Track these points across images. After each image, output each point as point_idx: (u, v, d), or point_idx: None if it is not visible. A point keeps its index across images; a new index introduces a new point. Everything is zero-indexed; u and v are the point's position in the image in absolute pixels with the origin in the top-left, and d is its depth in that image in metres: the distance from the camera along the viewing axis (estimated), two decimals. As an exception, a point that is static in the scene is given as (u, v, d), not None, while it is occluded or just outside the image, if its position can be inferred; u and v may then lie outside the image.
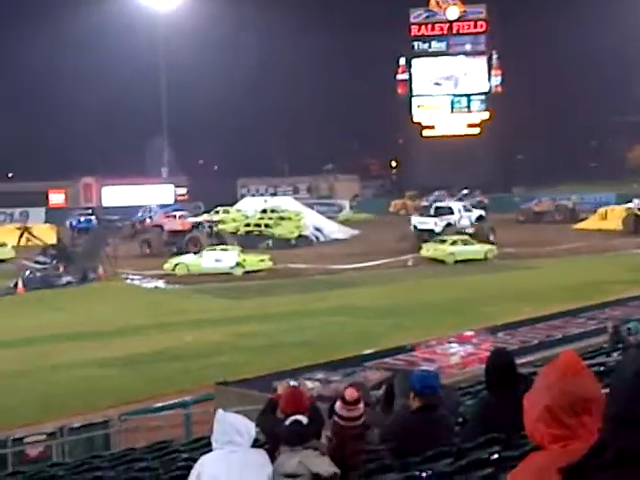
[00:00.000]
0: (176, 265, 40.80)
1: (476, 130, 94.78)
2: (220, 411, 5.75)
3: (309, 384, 13.98)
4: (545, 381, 2.13)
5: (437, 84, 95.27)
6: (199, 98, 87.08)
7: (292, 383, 8.01)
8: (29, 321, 28.32)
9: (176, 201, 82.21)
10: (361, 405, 5.88)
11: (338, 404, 5.85)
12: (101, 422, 14.15)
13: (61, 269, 40.69)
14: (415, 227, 51.74)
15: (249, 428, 5.60)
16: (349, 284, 35.40)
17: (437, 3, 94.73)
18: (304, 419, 5.81)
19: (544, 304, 24.83)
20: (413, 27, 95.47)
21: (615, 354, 11.35)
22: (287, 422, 5.88)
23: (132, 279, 40.10)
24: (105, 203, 78.26)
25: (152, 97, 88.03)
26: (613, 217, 58.11)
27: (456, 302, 28.72)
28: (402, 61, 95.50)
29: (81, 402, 17.52)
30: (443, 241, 44.03)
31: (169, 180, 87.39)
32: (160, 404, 15.46)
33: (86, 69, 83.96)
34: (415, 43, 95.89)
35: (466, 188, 73.65)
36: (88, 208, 68.66)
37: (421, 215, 55.98)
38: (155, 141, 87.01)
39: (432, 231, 49.33)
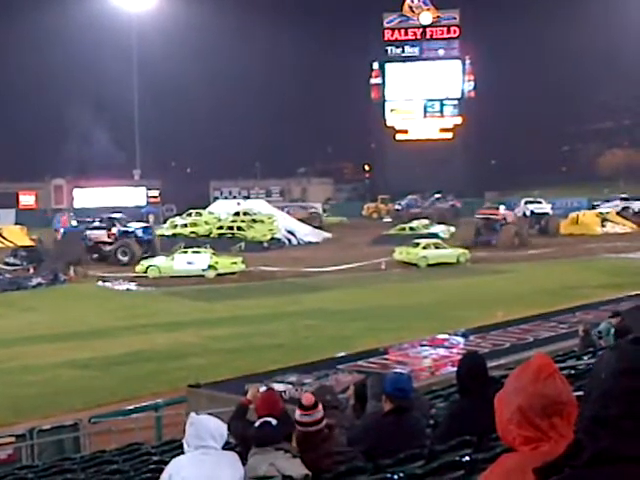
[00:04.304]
0: (148, 267, 40.65)
1: (449, 135, 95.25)
2: (193, 414, 5.73)
3: (281, 387, 13.95)
4: (517, 383, 2.13)
5: (410, 89, 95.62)
6: (172, 100, 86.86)
7: (263, 387, 7.99)
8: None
9: (148, 203, 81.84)
10: (319, 409, 5.89)
11: (297, 411, 5.86)
12: (71, 424, 14.03)
13: (31, 271, 40.40)
14: (532, 212, 56.48)
15: (221, 430, 5.58)
16: (322, 287, 35.39)
17: (410, 8, 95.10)
18: (274, 421, 5.81)
19: (517, 308, 24.95)
20: (386, 32, 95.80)
21: (586, 357, 11.44)
22: (257, 424, 5.88)
23: (104, 281, 39.90)
24: (76, 205, 77.62)
25: (125, 98, 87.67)
26: (585, 222, 58.61)
27: (429, 305, 28.80)
28: (375, 65, 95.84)
29: (52, 404, 17.37)
30: (416, 244, 44.16)
31: (141, 182, 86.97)
32: (131, 406, 15.36)
33: (59, 70, 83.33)
34: (388, 48, 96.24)
35: (439, 192, 73.93)
36: (72, 210, 67.59)
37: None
38: (128, 142, 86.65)
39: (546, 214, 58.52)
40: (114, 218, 50.12)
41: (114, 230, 48.03)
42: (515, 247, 49.17)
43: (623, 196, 65.83)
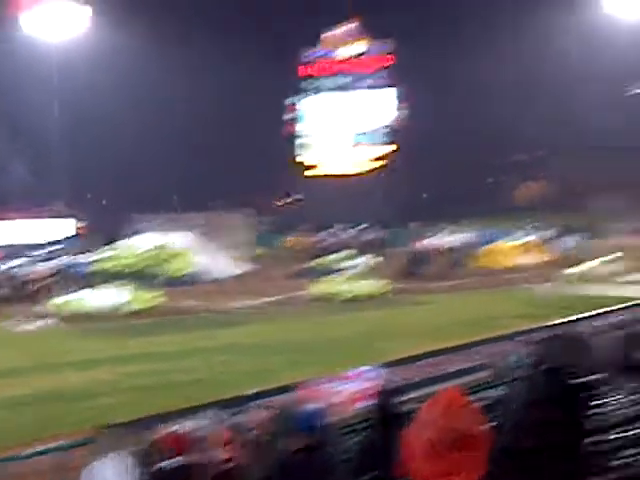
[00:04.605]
0: (62, 303, 39.74)
1: (375, 165, 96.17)
2: (104, 455, 5.52)
3: (196, 424, 13.62)
4: (427, 416, 2.03)
5: (339, 119, 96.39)
6: (94, 131, 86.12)
7: (177, 425, 7.76)
8: None
9: (68, 236, 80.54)
10: (235, 446, 5.74)
11: (212, 448, 5.69)
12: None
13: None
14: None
15: (130, 472, 5.39)
16: (239, 322, 35.12)
17: (341, 38, 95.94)
18: (186, 460, 5.64)
19: (436, 339, 25.05)
20: (303, 66, 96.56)
21: (500, 388, 11.41)
22: (166, 464, 5.69)
23: (14, 318, 38.78)
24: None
25: (44, 128, 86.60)
26: (503, 253, 59.61)
27: (348, 339, 28.78)
28: (301, 96, 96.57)
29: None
30: (337, 277, 44.25)
31: (60, 214, 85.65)
32: (37, 448, 14.81)
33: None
34: (317, 77, 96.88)
35: (363, 223, 74.55)
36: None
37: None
38: (46, 174, 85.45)
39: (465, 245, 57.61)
40: (51, 251, 48.87)
41: (52, 264, 46.90)
42: (447, 277, 49.91)
43: (530, 228, 67.49)
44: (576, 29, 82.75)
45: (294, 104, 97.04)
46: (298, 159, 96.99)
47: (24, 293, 44.49)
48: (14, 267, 47.01)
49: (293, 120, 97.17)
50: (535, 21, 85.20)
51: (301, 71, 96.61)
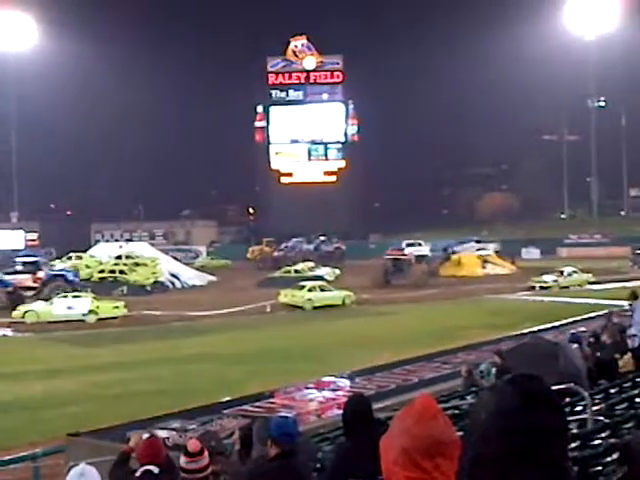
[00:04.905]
0: (25, 312, 39.41)
1: (333, 178, 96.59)
2: (75, 463, 5.53)
3: (164, 433, 13.65)
4: (401, 424, 2.12)
5: (295, 132, 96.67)
6: (53, 140, 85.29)
7: (145, 434, 7.75)
8: None
9: (26, 247, 79.71)
10: (205, 455, 5.78)
11: (182, 458, 5.74)
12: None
13: None
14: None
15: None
16: (206, 331, 35.06)
17: (294, 53, 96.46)
18: (155, 469, 5.66)
19: (401, 349, 25.22)
20: (270, 75, 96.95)
21: (469, 397, 11.60)
22: (138, 472, 5.71)
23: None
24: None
25: (2, 138, 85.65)
26: (467, 264, 60.07)
27: (314, 348, 28.85)
28: (260, 109, 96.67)
29: None
30: (301, 287, 44.34)
31: (19, 225, 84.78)
32: (7, 457, 14.73)
33: None
34: (272, 91, 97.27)
35: (323, 235, 74.65)
36: None
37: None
38: (5, 184, 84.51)
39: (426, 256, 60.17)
40: (35, 262, 48.17)
41: (40, 274, 46.12)
42: (423, 285, 50.42)
43: (476, 239, 68.24)
44: (535, 43, 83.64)
45: (263, 112, 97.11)
46: (272, 167, 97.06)
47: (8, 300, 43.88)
48: (9, 273, 46.38)
49: (262, 128, 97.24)
50: (493, 32, 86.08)
51: (270, 79, 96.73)
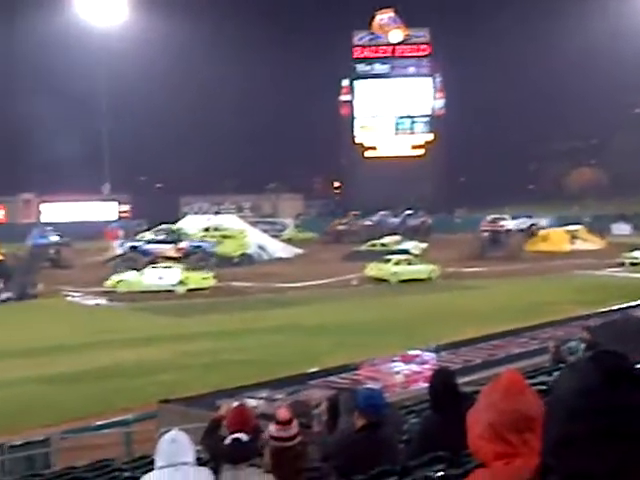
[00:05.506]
0: (118, 282, 40.37)
1: (420, 151, 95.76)
2: (174, 430, 5.66)
3: (253, 402, 13.90)
4: (488, 399, 2.15)
5: (380, 106, 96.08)
6: (143, 114, 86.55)
7: (235, 402, 7.91)
8: (-34, 338, 27.75)
9: (119, 218, 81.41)
10: (294, 424, 5.85)
11: (272, 426, 5.82)
12: (41, 440, 13.86)
13: (0, 285, 39.97)
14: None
15: (192, 446, 5.54)
16: (293, 303, 35.35)
17: (380, 26, 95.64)
18: (245, 437, 5.76)
19: (487, 324, 25.05)
20: (356, 49, 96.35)
21: (556, 373, 11.50)
22: (227, 440, 5.83)
23: (73, 296, 39.58)
24: (44, 219, 76.96)
25: (94, 112, 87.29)
26: (554, 239, 59.09)
27: (400, 321, 28.84)
28: (345, 82, 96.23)
29: (20, 420, 17.17)
30: (387, 261, 44.27)
31: (111, 197, 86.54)
32: (101, 422, 15.22)
33: (26, 84, 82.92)
34: (358, 65, 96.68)
35: (410, 209, 74.21)
36: (47, 224, 66.26)
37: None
38: (97, 157, 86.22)
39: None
40: (175, 231, 48.00)
41: (183, 244, 46.85)
42: (517, 258, 50.65)
43: (528, 215, 67.42)
44: (628, 16, 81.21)
45: (349, 86, 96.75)
46: (357, 140, 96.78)
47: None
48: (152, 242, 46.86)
49: (348, 102, 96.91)
50: (585, 4, 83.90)
51: (355, 53, 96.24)
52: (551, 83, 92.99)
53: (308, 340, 25.72)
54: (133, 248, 45.99)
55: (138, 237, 50.81)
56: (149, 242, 47.08)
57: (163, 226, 50.98)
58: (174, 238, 47.34)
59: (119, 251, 45.44)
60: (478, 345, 20.51)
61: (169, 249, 46.57)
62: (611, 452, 1.59)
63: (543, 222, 67.51)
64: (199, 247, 47.62)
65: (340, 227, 71.02)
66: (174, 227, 52.79)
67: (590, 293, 34.04)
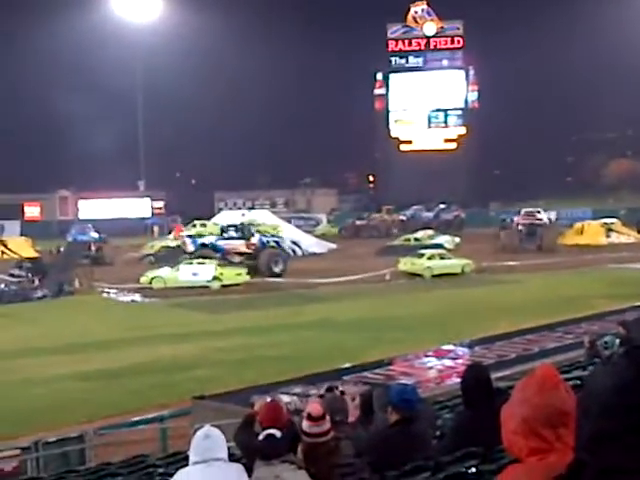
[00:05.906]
0: (153, 278, 40.60)
1: (453, 145, 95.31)
2: (207, 426, 5.69)
3: (286, 398, 13.92)
4: (522, 394, 2.13)
5: (414, 99, 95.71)
6: (177, 111, 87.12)
7: (269, 398, 7.93)
8: (3, 334, 28.07)
9: (153, 214, 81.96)
10: (327, 420, 5.85)
11: (304, 422, 5.82)
12: (76, 436, 13.98)
13: (36, 282, 40.37)
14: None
15: (226, 442, 5.56)
16: (326, 298, 35.38)
17: (414, 19, 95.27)
18: (278, 433, 5.77)
19: (521, 318, 24.92)
20: (390, 42, 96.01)
21: (591, 368, 11.41)
22: (261, 436, 5.84)
23: (108, 292, 39.90)
24: (81, 216, 77.73)
25: (130, 108, 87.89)
26: (590, 232, 58.57)
27: (434, 316, 28.78)
28: (379, 76, 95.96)
29: (56, 416, 17.34)
30: (421, 255, 44.15)
31: (146, 193, 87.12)
32: (136, 418, 15.32)
33: (62, 82, 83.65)
34: (392, 58, 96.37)
35: (443, 203, 73.97)
36: (86, 221, 66.81)
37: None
38: (133, 153, 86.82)
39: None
40: (247, 226, 47.73)
41: (254, 240, 46.69)
42: (554, 251, 50.64)
43: (541, 209, 66.80)
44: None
45: (382, 80, 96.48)
46: (393, 134, 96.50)
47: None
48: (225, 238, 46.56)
49: (382, 95, 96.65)
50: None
51: (389, 46, 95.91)
52: (585, 74, 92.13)
53: (341, 335, 25.73)
54: (204, 245, 45.82)
55: (194, 232, 50.50)
56: (221, 238, 46.54)
57: (235, 221, 50.58)
58: (245, 234, 46.86)
59: (190, 248, 45.21)
60: (512, 340, 20.38)
61: (241, 244, 46.32)
62: None
63: (552, 214, 66.23)
64: (271, 242, 46.90)
65: (358, 222, 70.90)
66: (245, 221, 51.84)
67: (625, 287, 33.64)
